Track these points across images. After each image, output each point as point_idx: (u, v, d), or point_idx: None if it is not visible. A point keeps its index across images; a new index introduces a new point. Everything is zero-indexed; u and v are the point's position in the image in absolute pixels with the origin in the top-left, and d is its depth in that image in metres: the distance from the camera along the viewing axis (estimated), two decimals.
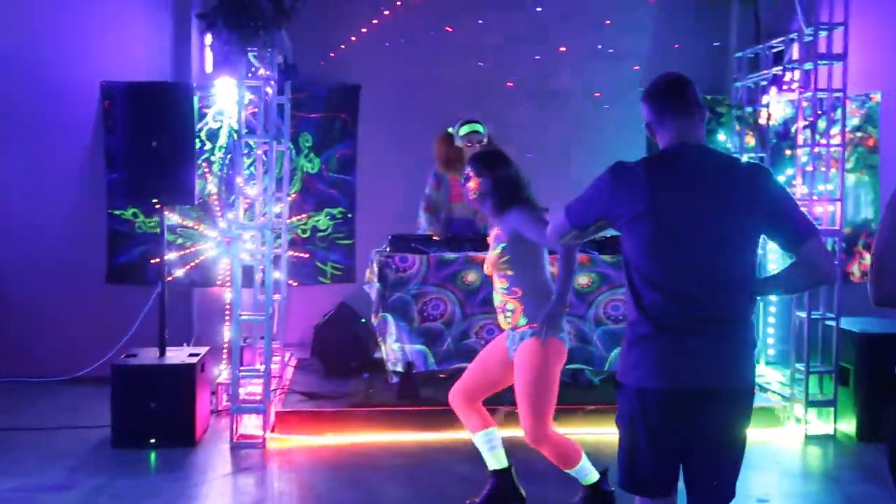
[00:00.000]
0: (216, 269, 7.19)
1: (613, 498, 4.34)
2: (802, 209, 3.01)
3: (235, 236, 5.76)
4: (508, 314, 4.18)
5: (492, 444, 4.33)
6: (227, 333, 6.71)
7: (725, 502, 3.00)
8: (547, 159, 7.34)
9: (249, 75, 5.71)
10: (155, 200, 5.88)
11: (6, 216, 7.20)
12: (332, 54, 7.51)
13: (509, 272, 4.15)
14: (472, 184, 4.26)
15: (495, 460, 4.36)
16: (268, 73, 5.85)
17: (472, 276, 5.91)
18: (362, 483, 5.02)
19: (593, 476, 4.34)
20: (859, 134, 7.55)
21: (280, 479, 5.20)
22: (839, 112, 6.17)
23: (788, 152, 7.13)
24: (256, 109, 5.83)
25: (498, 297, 4.25)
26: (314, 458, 5.45)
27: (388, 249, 6.05)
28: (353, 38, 7.59)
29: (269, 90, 5.92)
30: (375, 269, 6.01)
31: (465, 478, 4.92)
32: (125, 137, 5.78)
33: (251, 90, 5.78)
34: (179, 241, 7.18)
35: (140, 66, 7.15)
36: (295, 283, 7.37)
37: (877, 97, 7.58)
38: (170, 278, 6.20)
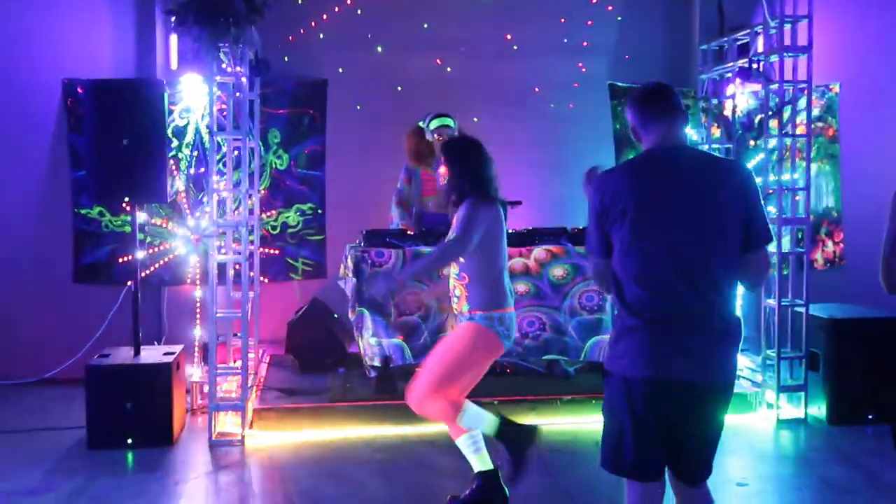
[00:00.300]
0: (185, 268, 7.12)
1: (533, 427, 4.34)
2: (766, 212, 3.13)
3: (211, 234, 5.70)
4: (455, 299, 4.31)
5: (476, 447, 4.31)
6: (198, 331, 6.64)
7: (703, 479, 3.13)
8: (514, 153, 7.36)
9: (220, 72, 5.66)
10: (126, 199, 5.80)
11: None
12: (290, 37, 7.45)
13: (460, 258, 4.23)
14: (442, 169, 4.37)
15: (480, 462, 4.32)
16: (239, 69, 5.80)
17: (446, 270, 5.90)
18: (344, 478, 5.02)
19: (492, 419, 4.26)
20: (820, 124, 7.72)
21: (261, 476, 5.17)
22: (802, 102, 6.29)
23: (753, 143, 7.26)
24: (225, 106, 5.78)
25: (451, 281, 4.38)
26: (294, 454, 5.43)
27: (362, 244, 6.04)
28: (313, 24, 7.55)
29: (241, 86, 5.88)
30: (350, 264, 6.00)
31: (447, 470, 4.95)
32: (93, 135, 5.65)
33: (220, 87, 5.73)
34: (148, 239, 7.10)
35: (102, 62, 7.01)
36: (266, 280, 7.33)
37: (836, 88, 7.75)
38: (141, 276, 6.13)
